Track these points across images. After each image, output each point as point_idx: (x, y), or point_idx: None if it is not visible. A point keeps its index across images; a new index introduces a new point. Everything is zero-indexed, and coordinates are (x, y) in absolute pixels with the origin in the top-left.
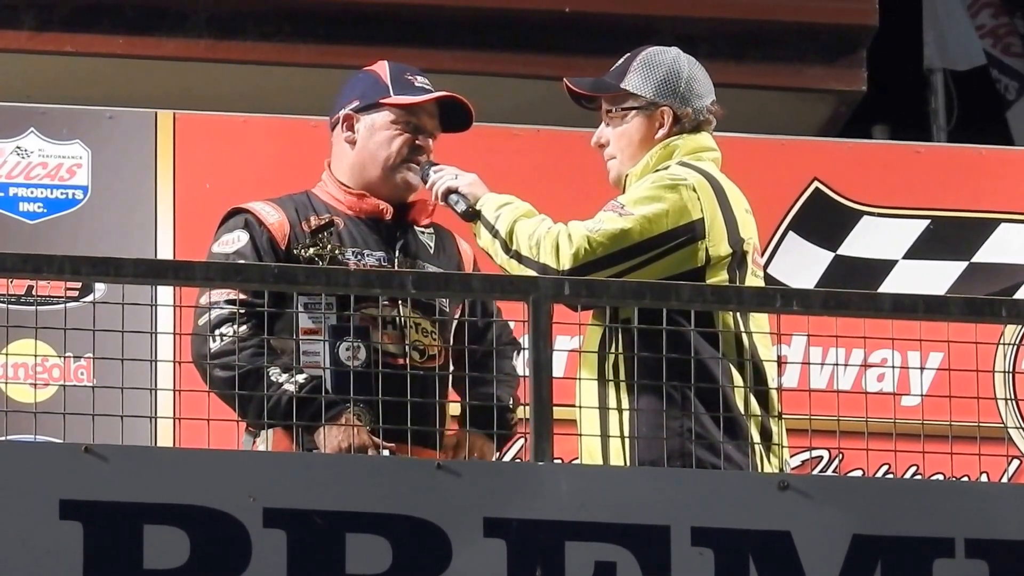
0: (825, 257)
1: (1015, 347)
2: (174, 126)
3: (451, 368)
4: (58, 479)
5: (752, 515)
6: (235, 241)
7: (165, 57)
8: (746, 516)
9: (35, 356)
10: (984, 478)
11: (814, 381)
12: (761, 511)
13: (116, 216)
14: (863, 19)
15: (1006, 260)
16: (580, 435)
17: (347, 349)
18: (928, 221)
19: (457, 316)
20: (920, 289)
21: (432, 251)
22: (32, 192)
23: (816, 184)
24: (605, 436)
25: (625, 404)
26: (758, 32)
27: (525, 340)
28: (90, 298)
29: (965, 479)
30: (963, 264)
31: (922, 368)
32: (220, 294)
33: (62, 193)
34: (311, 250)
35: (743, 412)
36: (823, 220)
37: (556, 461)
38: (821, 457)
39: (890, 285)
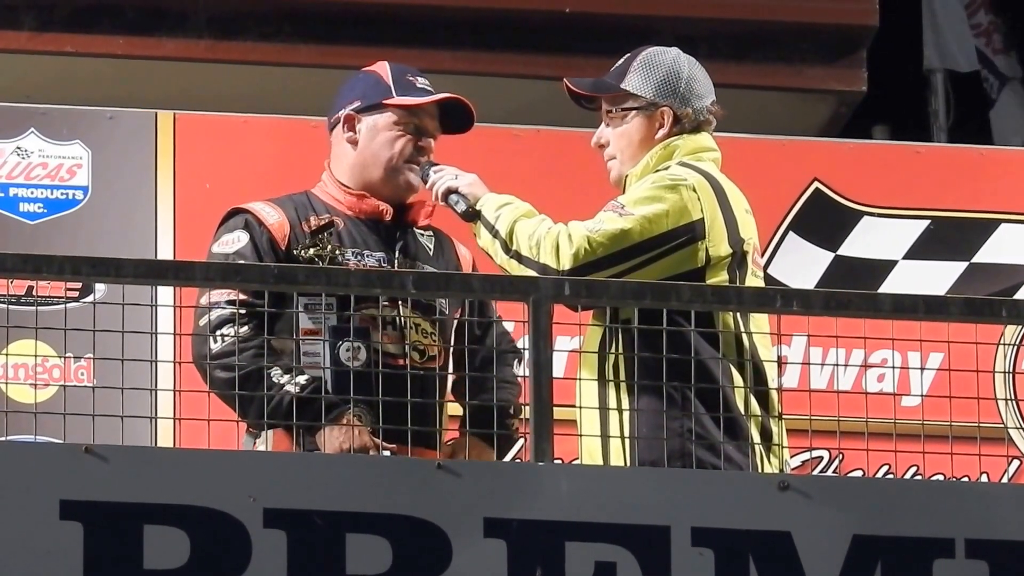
0: (825, 257)
1: (1015, 347)
2: (174, 126)
3: (450, 371)
4: (58, 479)
5: (752, 515)
6: (235, 241)
7: (165, 57)
8: (746, 516)
9: (35, 356)
10: (984, 478)
11: (814, 381)
12: (761, 511)
13: (116, 216)
14: (863, 19)
15: (1006, 260)
16: (580, 435)
17: (347, 350)
18: (928, 221)
19: (457, 317)
20: (920, 289)
21: (431, 253)
22: (32, 192)
23: (816, 184)
24: (605, 436)
25: (625, 404)
26: (758, 32)
27: (525, 340)
28: (90, 298)
29: (965, 479)
30: (963, 264)
31: (922, 368)
32: (220, 294)
33: (62, 193)
34: (311, 250)
35: (743, 412)
36: (823, 220)
37: (556, 461)
38: (821, 457)
39: (890, 285)
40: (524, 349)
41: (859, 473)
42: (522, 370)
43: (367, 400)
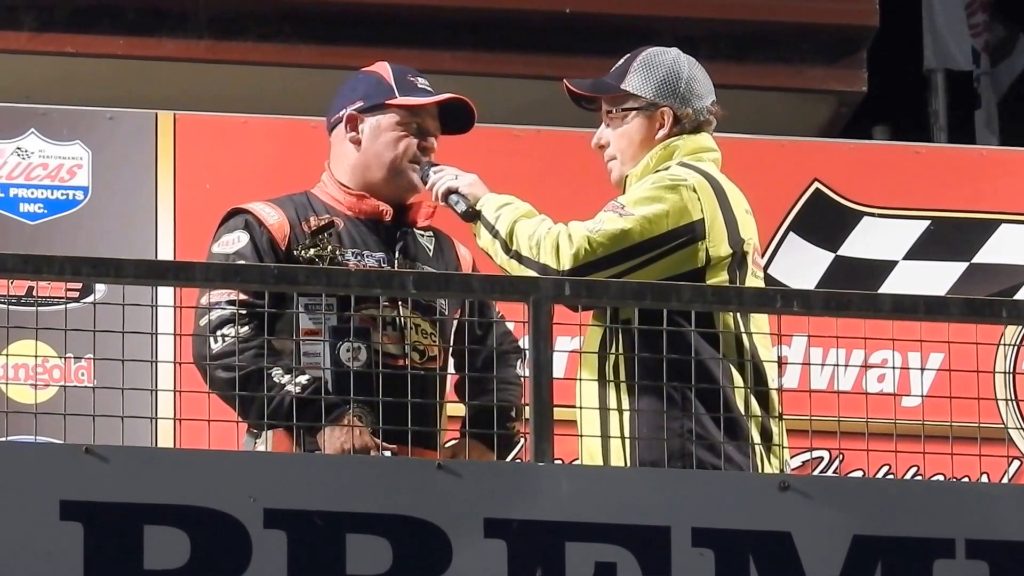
0: (825, 258)
1: (1015, 348)
2: (174, 127)
3: (450, 371)
4: (58, 480)
5: (753, 516)
6: (235, 242)
7: (165, 58)
8: (747, 517)
9: (35, 357)
10: (984, 479)
11: (815, 382)
12: (762, 512)
13: (116, 217)
14: (863, 20)
15: (1006, 261)
16: (580, 436)
17: (348, 350)
18: (928, 222)
19: (457, 318)
20: (920, 290)
21: (431, 254)
22: (32, 193)
23: (816, 185)
24: (605, 437)
25: (625, 405)
26: (759, 33)
27: (525, 341)
28: (90, 299)
29: (965, 480)
30: (963, 265)
31: (922, 369)
32: (221, 295)
33: (62, 194)
34: (311, 251)
35: (743, 413)
36: (823, 221)
37: (556, 462)
38: (821, 458)
39: (890, 286)
40: (524, 349)
41: (859, 473)
42: (522, 371)
43: (367, 400)
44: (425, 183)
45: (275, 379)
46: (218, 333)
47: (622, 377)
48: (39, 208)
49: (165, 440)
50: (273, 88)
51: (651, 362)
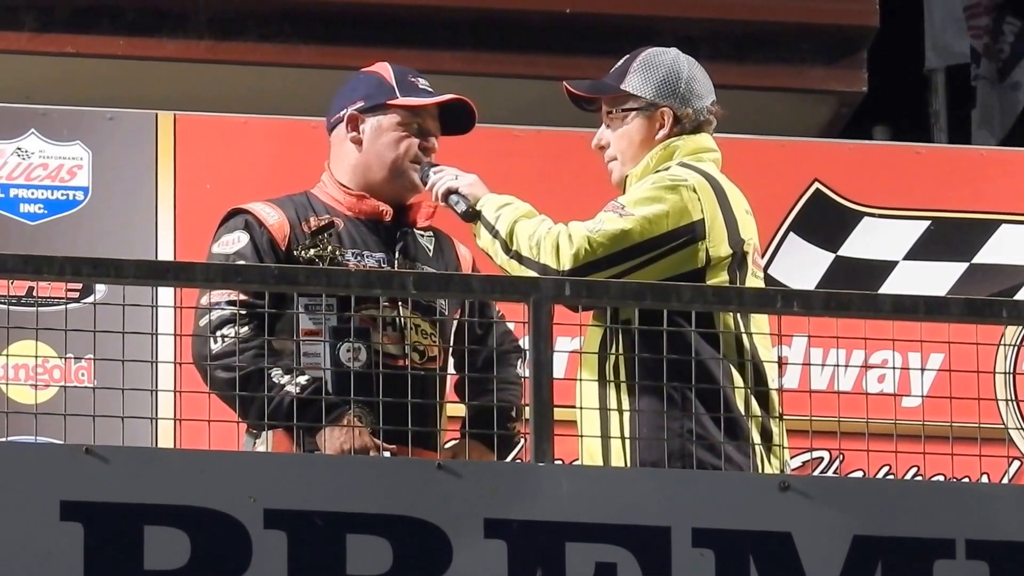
0: (826, 258)
1: (1015, 348)
2: (175, 127)
3: (450, 371)
4: (59, 480)
5: (753, 516)
6: (235, 242)
7: (166, 58)
8: (747, 517)
9: (36, 357)
10: (985, 479)
11: (815, 382)
12: (762, 512)
13: (117, 217)
14: (864, 20)
15: (1006, 261)
16: (581, 436)
17: (348, 351)
18: (929, 222)
19: (457, 318)
20: (921, 290)
21: (431, 254)
22: (33, 193)
23: (817, 185)
24: (606, 437)
25: (626, 405)
26: (759, 33)
27: (525, 341)
28: (91, 299)
29: (966, 480)
30: (964, 265)
31: (923, 369)
32: (221, 295)
33: (63, 194)
34: (311, 251)
35: (744, 413)
36: (824, 221)
37: (557, 462)
38: (822, 458)
39: (891, 286)
40: (524, 350)
41: (860, 474)
42: (522, 371)
43: (367, 401)
44: (425, 183)
45: (275, 379)
46: (218, 333)
47: (622, 377)
48: (39, 208)
49: (165, 440)
50: (273, 88)
51: (651, 362)
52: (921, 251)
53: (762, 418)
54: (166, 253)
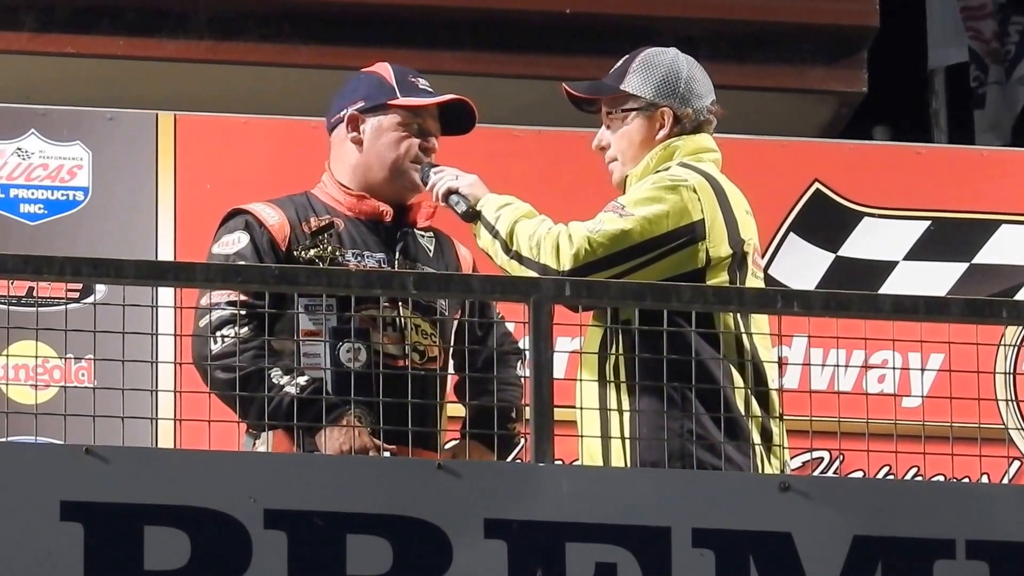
0: (826, 258)
1: (1016, 348)
2: (175, 127)
3: (450, 372)
4: (59, 480)
5: (753, 516)
6: (235, 242)
7: (166, 58)
8: (747, 517)
9: (36, 357)
10: (985, 479)
11: (815, 382)
12: (762, 512)
13: (117, 217)
14: (864, 20)
15: (1007, 261)
16: (581, 436)
17: (348, 351)
18: (929, 222)
19: (457, 318)
20: (921, 290)
21: (431, 254)
22: (33, 193)
23: (817, 185)
24: (606, 437)
25: (626, 405)
26: (759, 33)
27: (526, 341)
28: (91, 299)
29: (966, 480)
30: (964, 265)
31: (923, 369)
32: (221, 295)
33: (63, 194)
34: (311, 251)
35: (744, 413)
36: (824, 221)
37: (557, 462)
38: (822, 458)
39: (891, 286)
40: (524, 350)
41: (860, 474)
42: (522, 371)
43: (367, 401)
44: (426, 184)
45: (274, 380)
46: (218, 334)
47: (622, 378)
48: (39, 209)
49: (165, 441)
50: (273, 89)
51: (651, 363)
52: (921, 251)
53: (762, 418)
54: (166, 253)
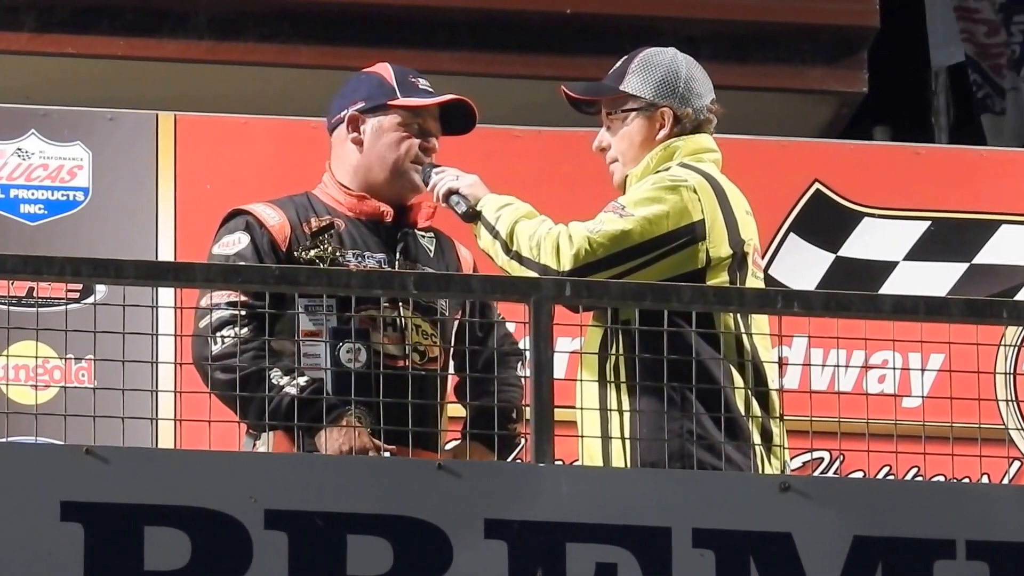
0: (826, 258)
1: (1016, 349)
2: (175, 128)
3: (450, 372)
4: (59, 481)
5: (753, 516)
6: (236, 243)
7: (166, 59)
8: (747, 517)
9: (36, 358)
10: (985, 480)
11: (815, 382)
12: (762, 512)
13: (117, 218)
14: (864, 20)
15: (1007, 261)
16: (581, 436)
17: (348, 351)
18: (929, 222)
19: (458, 319)
20: (921, 290)
21: (432, 255)
22: (33, 194)
23: (817, 185)
24: (606, 437)
25: (626, 406)
26: (759, 33)
27: (526, 341)
28: (91, 300)
29: (966, 481)
30: (964, 265)
31: (923, 369)
32: (221, 296)
33: (63, 195)
34: (312, 252)
35: (744, 413)
36: (824, 221)
37: (557, 463)
38: (822, 458)
39: (891, 286)
40: (525, 350)
41: (860, 474)
42: (523, 372)
43: (367, 401)
44: (427, 184)
45: (274, 380)
46: (218, 334)
47: (622, 378)
48: (39, 209)
49: (165, 441)
50: (273, 89)
51: (651, 363)
52: (921, 251)
53: (762, 419)
54: (166, 254)
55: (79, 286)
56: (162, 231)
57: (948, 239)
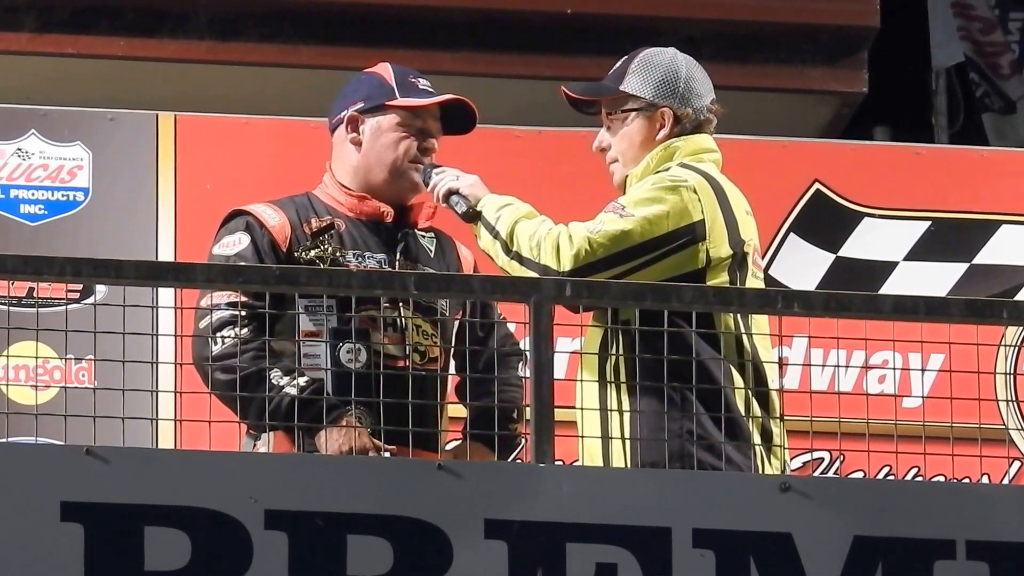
0: (826, 259)
1: (1016, 349)
2: (175, 128)
3: (451, 372)
4: (59, 481)
5: (753, 517)
6: (236, 243)
7: (166, 59)
8: (747, 518)
9: (36, 358)
10: (985, 480)
11: (815, 383)
12: (762, 513)
13: (117, 218)
14: (865, 20)
15: (1007, 262)
16: (581, 436)
17: (348, 351)
18: (929, 223)
19: (459, 319)
20: (921, 291)
21: (432, 255)
22: (33, 194)
23: (817, 185)
24: (606, 438)
25: (626, 406)
26: (760, 34)
27: (526, 342)
28: (91, 300)
29: (966, 481)
30: (964, 266)
31: (923, 370)
32: (221, 296)
33: (63, 195)
34: (312, 252)
35: (744, 414)
36: (824, 222)
37: (557, 463)
38: (822, 459)
39: (891, 287)
40: (525, 351)
41: (860, 474)
42: (523, 372)
43: (367, 402)
44: (427, 184)
45: (274, 381)
46: (218, 335)
47: (622, 378)
48: (40, 209)
49: (166, 441)
50: (274, 89)
51: (651, 363)
52: (921, 252)
53: (762, 419)
54: (166, 254)
55: (79, 286)
56: (162, 231)
57: (948, 239)
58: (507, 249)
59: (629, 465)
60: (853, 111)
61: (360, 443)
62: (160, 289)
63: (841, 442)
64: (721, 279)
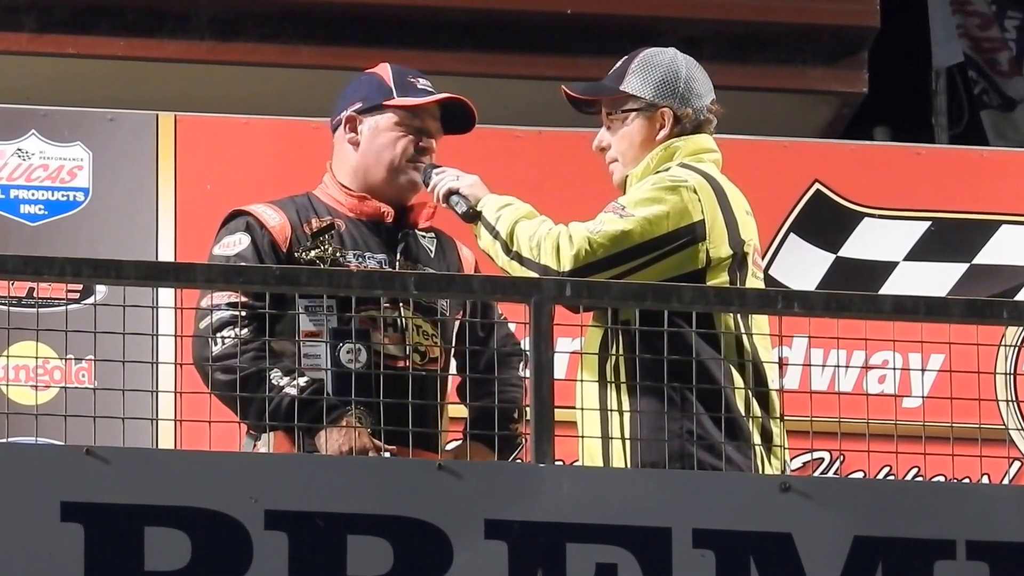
0: (826, 259)
1: (1016, 349)
2: (175, 128)
3: (451, 372)
4: (59, 481)
5: (753, 517)
6: (236, 243)
7: (166, 59)
8: (747, 518)
9: (36, 358)
10: (985, 480)
11: (815, 383)
12: (762, 513)
13: (117, 218)
14: (865, 20)
15: (1007, 262)
16: (581, 437)
17: (348, 352)
18: (929, 223)
19: (459, 319)
20: (921, 291)
21: (432, 255)
22: (33, 194)
23: (817, 186)
24: (606, 438)
25: (626, 406)
26: (760, 34)
27: (526, 342)
28: (91, 300)
29: (966, 481)
30: (964, 266)
31: (923, 370)
32: (221, 296)
33: (63, 195)
34: (313, 252)
35: (744, 414)
36: (824, 222)
37: (557, 463)
38: (822, 459)
39: (891, 287)
40: (525, 351)
41: (860, 474)
42: (524, 372)
43: (367, 402)
44: (427, 184)
45: (274, 381)
46: (218, 335)
47: (622, 378)
48: (40, 209)
49: (166, 441)
50: (274, 89)
51: (651, 363)
52: (921, 252)
53: (762, 419)
54: (166, 254)
55: (79, 286)
56: (162, 231)
57: (948, 239)
58: (507, 249)
59: (629, 465)
60: (853, 111)
61: (360, 443)
62: (160, 289)
63: (841, 442)
64: (721, 279)
